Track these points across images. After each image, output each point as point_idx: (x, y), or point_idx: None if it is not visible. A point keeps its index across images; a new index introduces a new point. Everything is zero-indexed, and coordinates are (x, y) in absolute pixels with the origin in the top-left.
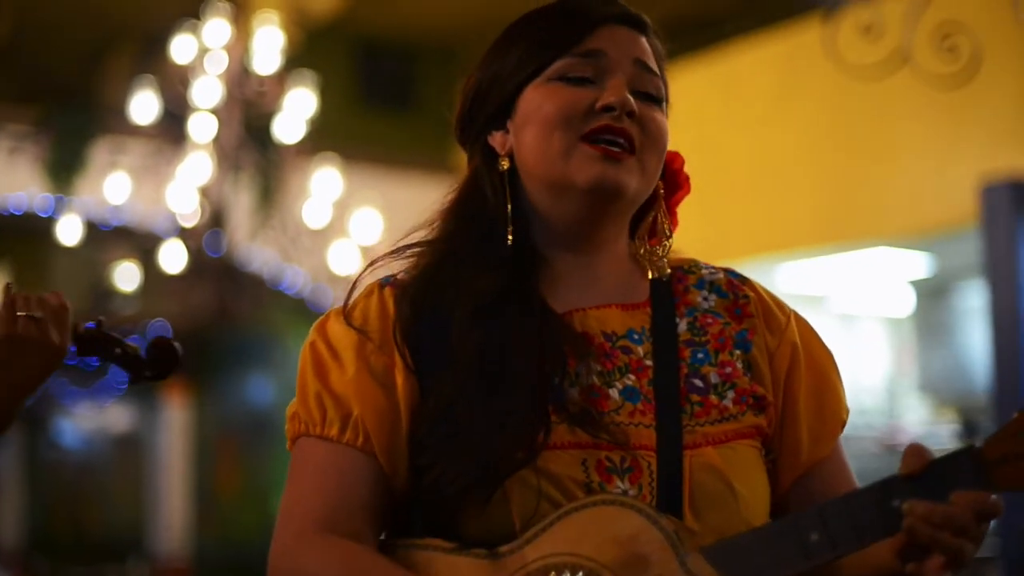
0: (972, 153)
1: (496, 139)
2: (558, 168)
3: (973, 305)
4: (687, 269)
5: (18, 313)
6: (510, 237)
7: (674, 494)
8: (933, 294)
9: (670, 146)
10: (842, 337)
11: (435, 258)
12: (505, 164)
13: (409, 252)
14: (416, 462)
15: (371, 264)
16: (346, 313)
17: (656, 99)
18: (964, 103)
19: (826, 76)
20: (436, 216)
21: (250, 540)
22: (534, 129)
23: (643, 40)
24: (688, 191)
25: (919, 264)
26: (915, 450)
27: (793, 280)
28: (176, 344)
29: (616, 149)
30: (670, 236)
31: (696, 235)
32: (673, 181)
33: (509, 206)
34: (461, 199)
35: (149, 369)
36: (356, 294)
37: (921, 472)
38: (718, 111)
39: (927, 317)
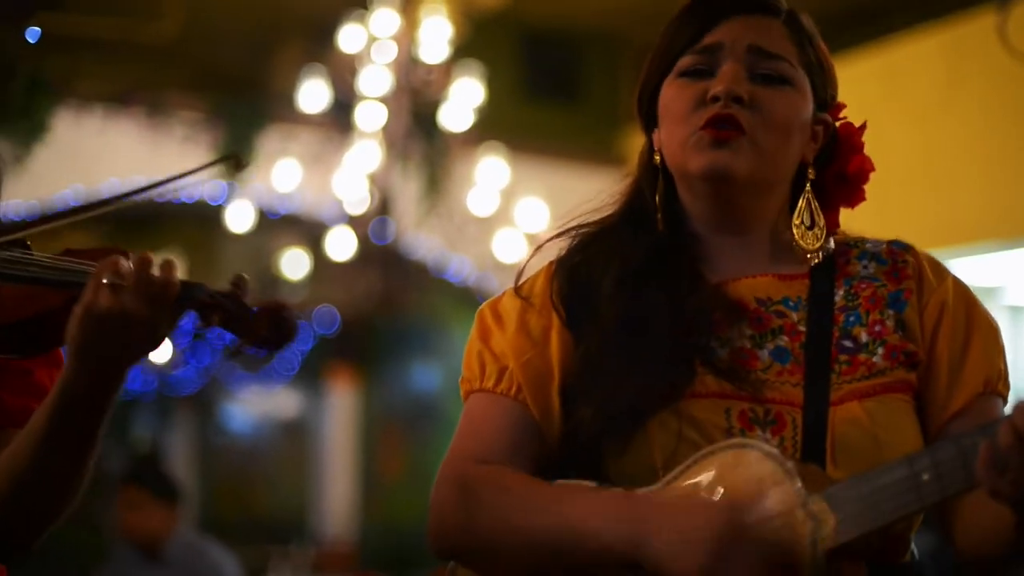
0: None
1: (656, 135)
2: (681, 158)
3: None
4: (852, 244)
5: (103, 281)
6: (660, 224)
7: (818, 447)
8: None
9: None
10: (1013, 330)
11: (592, 232)
12: (658, 158)
13: (574, 232)
14: (564, 409)
15: (539, 246)
16: (517, 288)
17: (779, 80)
18: None
19: (998, 65)
20: (604, 202)
21: (414, 525)
22: (666, 124)
23: (770, 24)
24: (861, 162)
25: None
26: None
27: (963, 274)
28: (291, 312)
29: (723, 131)
30: (815, 224)
31: (864, 229)
32: (843, 152)
33: (659, 197)
34: (625, 188)
35: (254, 336)
36: (526, 274)
37: None
38: (885, 103)
39: None
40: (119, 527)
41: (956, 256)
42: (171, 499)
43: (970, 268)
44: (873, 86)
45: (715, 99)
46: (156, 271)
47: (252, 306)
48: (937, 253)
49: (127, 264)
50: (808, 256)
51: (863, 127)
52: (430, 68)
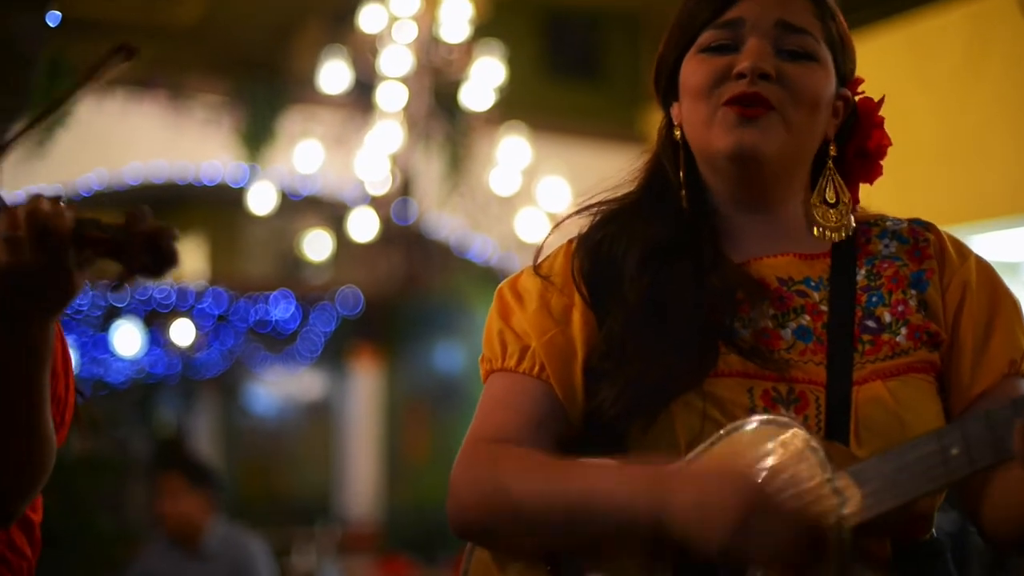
0: None
1: (675, 109)
2: (704, 136)
3: None
4: (872, 223)
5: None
6: (684, 201)
7: (841, 426)
8: None
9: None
10: None
11: (614, 210)
12: (677, 133)
13: (594, 210)
14: (587, 388)
15: (557, 224)
16: (536, 266)
17: (804, 55)
18: None
19: (1019, 38)
20: (625, 179)
21: (438, 505)
22: (687, 100)
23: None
24: (881, 137)
25: None
26: None
27: (987, 250)
28: (169, 232)
29: (752, 108)
30: (838, 203)
31: (887, 205)
32: (864, 127)
33: (682, 173)
34: (645, 164)
35: (135, 261)
36: (544, 253)
37: None
38: (908, 77)
39: None
40: (157, 516)
41: (980, 231)
42: (208, 485)
43: (993, 243)
44: (897, 60)
45: (740, 76)
46: (47, 216)
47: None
48: (960, 228)
49: (18, 216)
50: (830, 234)
51: (881, 101)
52: (451, 48)
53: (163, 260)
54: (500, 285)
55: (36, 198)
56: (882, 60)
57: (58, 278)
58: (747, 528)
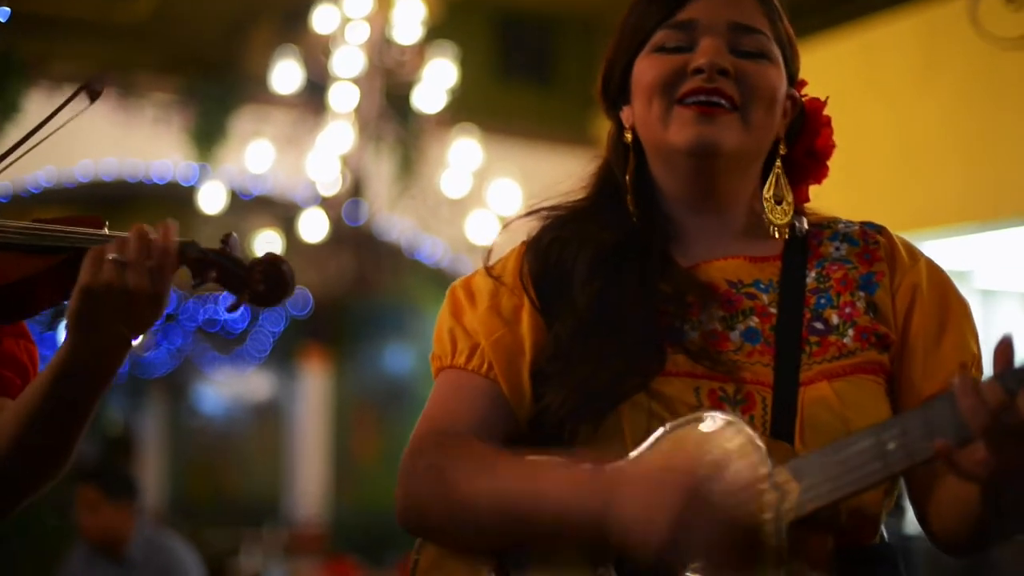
0: None
1: (625, 113)
2: (659, 134)
3: None
4: (825, 225)
5: (107, 257)
6: (630, 205)
7: (787, 426)
8: None
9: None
10: (983, 313)
11: (564, 214)
12: (628, 136)
13: (543, 213)
14: (536, 390)
15: (507, 224)
16: (488, 267)
17: (758, 54)
18: None
19: (970, 48)
20: (576, 184)
21: (386, 507)
22: (639, 99)
23: (745, 0)
24: (829, 136)
25: None
26: (1002, 348)
27: (937, 257)
28: (286, 265)
29: (710, 106)
30: (785, 199)
31: (838, 211)
32: (812, 127)
33: (629, 176)
34: (596, 169)
35: (251, 290)
36: (496, 255)
37: (1001, 373)
38: (859, 85)
39: None
40: (78, 527)
41: (930, 239)
42: (128, 498)
43: (943, 251)
44: (849, 67)
45: (698, 71)
46: (154, 237)
47: (245, 261)
48: (910, 235)
49: (129, 239)
50: (775, 231)
51: (827, 102)
52: (403, 49)
53: (282, 290)
54: (453, 284)
55: (141, 226)
56: (834, 67)
57: (153, 301)
58: (685, 527)
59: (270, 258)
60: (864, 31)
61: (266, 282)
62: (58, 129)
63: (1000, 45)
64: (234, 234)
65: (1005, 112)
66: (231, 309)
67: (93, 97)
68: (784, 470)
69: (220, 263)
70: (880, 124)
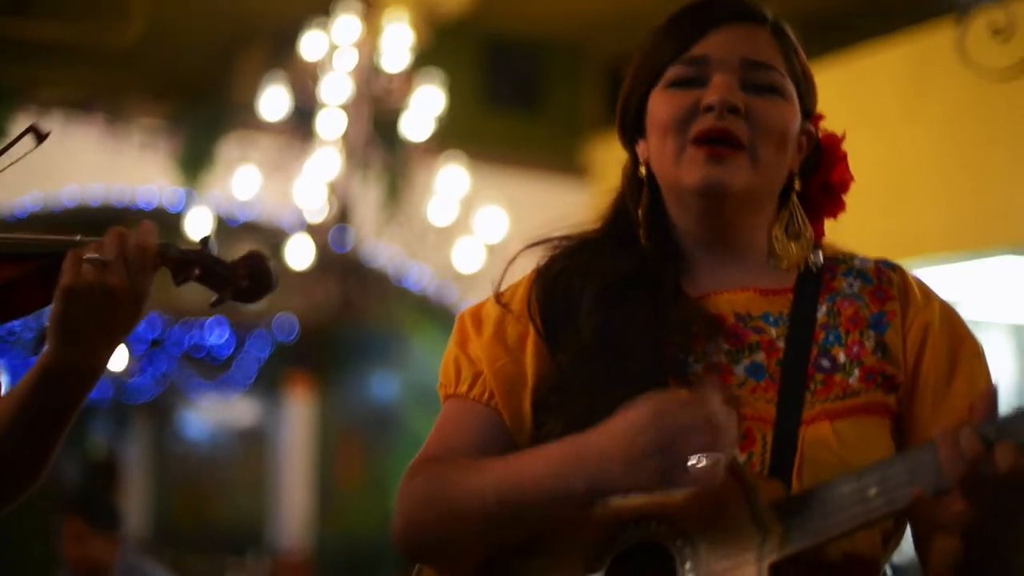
0: None
1: (640, 147)
2: (672, 172)
3: None
4: (840, 260)
5: (85, 257)
6: (643, 238)
7: (785, 465)
8: None
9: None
10: None
11: (574, 244)
12: (643, 170)
13: (555, 243)
14: (537, 419)
15: (520, 251)
16: (497, 295)
17: (770, 90)
18: None
19: (957, 79)
20: (583, 215)
21: (370, 535)
22: (654, 135)
23: (758, 34)
24: (845, 170)
25: None
26: (984, 399)
27: None
28: (268, 260)
29: (720, 147)
30: (803, 235)
31: (824, 240)
32: (828, 161)
33: (642, 210)
34: (610, 202)
35: (234, 286)
36: (505, 282)
37: (980, 423)
38: (847, 114)
39: None
40: (63, 557)
41: (917, 267)
42: (112, 528)
43: (929, 281)
44: (835, 97)
45: (709, 108)
46: (132, 239)
47: (226, 260)
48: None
49: (107, 239)
50: (788, 267)
51: (843, 136)
52: (391, 76)
53: (264, 285)
54: (461, 312)
55: (119, 228)
56: (822, 95)
57: (134, 301)
58: (665, 433)
59: (253, 254)
60: (852, 60)
61: (249, 277)
62: (2, 171)
63: (988, 76)
64: (212, 237)
65: (993, 142)
66: (214, 305)
67: (40, 139)
68: (770, 510)
69: (202, 261)
70: (868, 153)
